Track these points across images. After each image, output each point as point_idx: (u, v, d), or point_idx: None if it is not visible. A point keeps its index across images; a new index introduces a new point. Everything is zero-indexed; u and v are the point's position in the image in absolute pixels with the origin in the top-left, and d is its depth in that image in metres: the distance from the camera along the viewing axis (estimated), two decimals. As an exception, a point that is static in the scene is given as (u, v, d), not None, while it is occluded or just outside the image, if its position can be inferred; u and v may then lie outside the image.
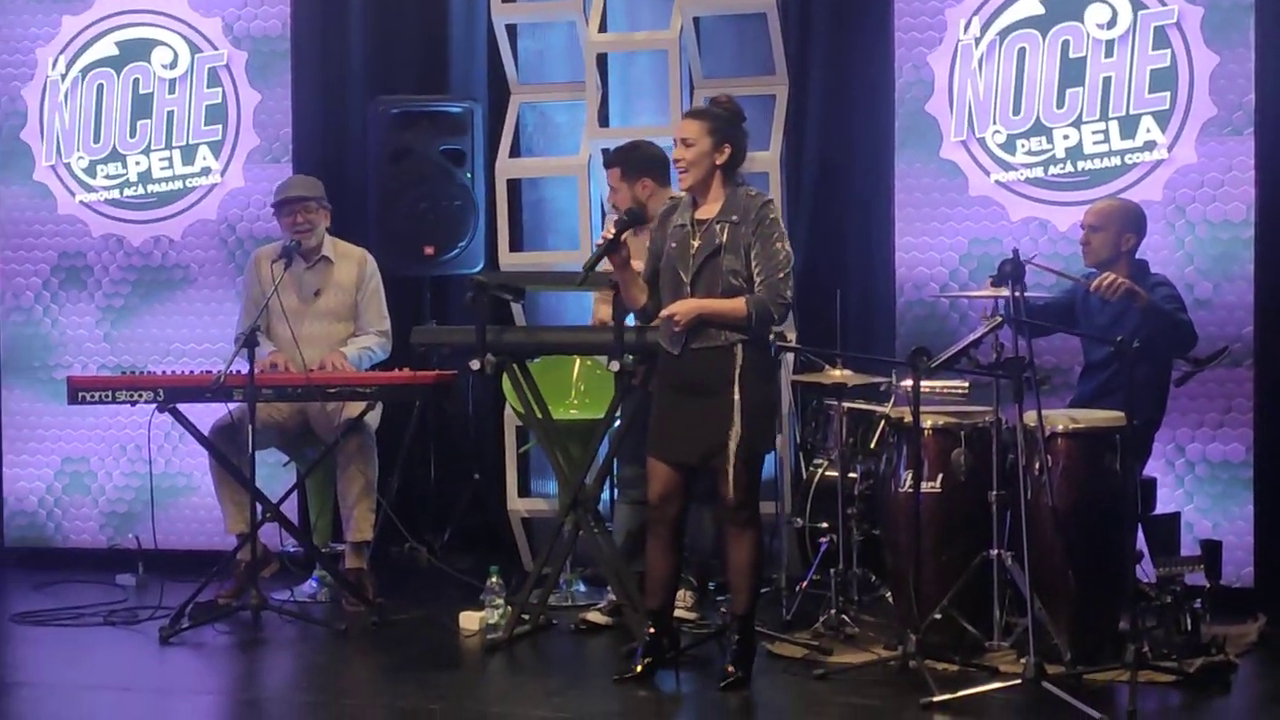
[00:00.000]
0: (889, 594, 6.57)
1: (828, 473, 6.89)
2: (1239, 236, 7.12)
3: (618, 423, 6.78)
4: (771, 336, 5.97)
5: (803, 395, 6.98)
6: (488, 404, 8.32)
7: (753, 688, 5.89)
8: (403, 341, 7.36)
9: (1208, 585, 6.29)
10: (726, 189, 5.87)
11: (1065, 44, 7.32)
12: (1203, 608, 6.13)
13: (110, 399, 7.19)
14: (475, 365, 6.58)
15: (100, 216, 8.47)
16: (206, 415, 7.30)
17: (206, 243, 8.38)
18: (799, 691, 5.92)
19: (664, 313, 5.83)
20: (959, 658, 5.94)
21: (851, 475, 6.70)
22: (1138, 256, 6.62)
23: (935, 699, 5.55)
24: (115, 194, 8.47)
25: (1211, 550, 6.51)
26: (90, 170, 8.47)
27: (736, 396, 5.75)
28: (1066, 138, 7.34)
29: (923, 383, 6.03)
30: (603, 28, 8.04)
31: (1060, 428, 6.02)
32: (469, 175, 8.14)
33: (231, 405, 7.18)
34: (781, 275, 5.74)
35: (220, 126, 8.35)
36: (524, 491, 8.06)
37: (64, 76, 8.47)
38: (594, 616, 6.94)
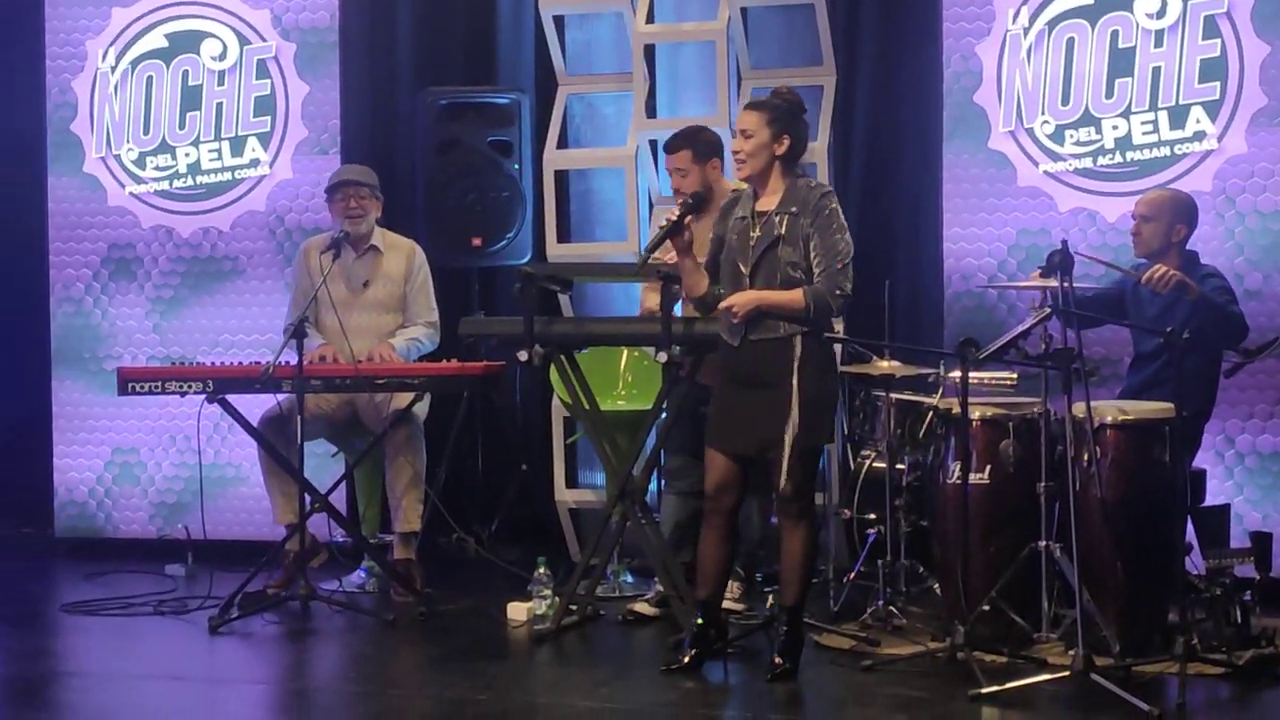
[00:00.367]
0: (937, 585, 6.56)
1: (875, 464, 6.90)
2: (1290, 228, 7.12)
3: (665, 414, 6.77)
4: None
5: (850, 386, 6.97)
6: (535, 395, 8.34)
7: (800, 679, 5.89)
8: (451, 332, 7.41)
9: (1258, 577, 6.24)
10: (786, 180, 5.88)
11: (1114, 34, 7.30)
12: (1252, 600, 6.10)
13: (160, 390, 7.22)
14: (523, 356, 6.59)
15: (150, 208, 8.51)
16: (255, 406, 7.32)
17: (255, 234, 8.42)
18: (846, 683, 5.91)
19: (722, 304, 5.86)
20: (1007, 649, 5.92)
21: (899, 466, 6.70)
22: (1188, 247, 6.60)
23: (983, 691, 5.54)
24: (165, 185, 8.50)
25: (1261, 542, 6.47)
26: (140, 162, 8.52)
27: (795, 389, 5.75)
28: (1115, 128, 7.31)
29: (971, 374, 6.03)
30: (650, 19, 8.03)
31: (1109, 419, 6.01)
32: (516, 166, 8.16)
33: (280, 396, 7.21)
34: (840, 266, 5.74)
35: (269, 118, 8.38)
36: (571, 482, 8.08)
37: (114, 69, 8.51)
38: (641, 607, 6.95)
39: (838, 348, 6.89)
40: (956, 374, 6.09)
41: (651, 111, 8.08)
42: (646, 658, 6.33)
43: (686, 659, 6.00)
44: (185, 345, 8.36)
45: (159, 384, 7.20)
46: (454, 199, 8.08)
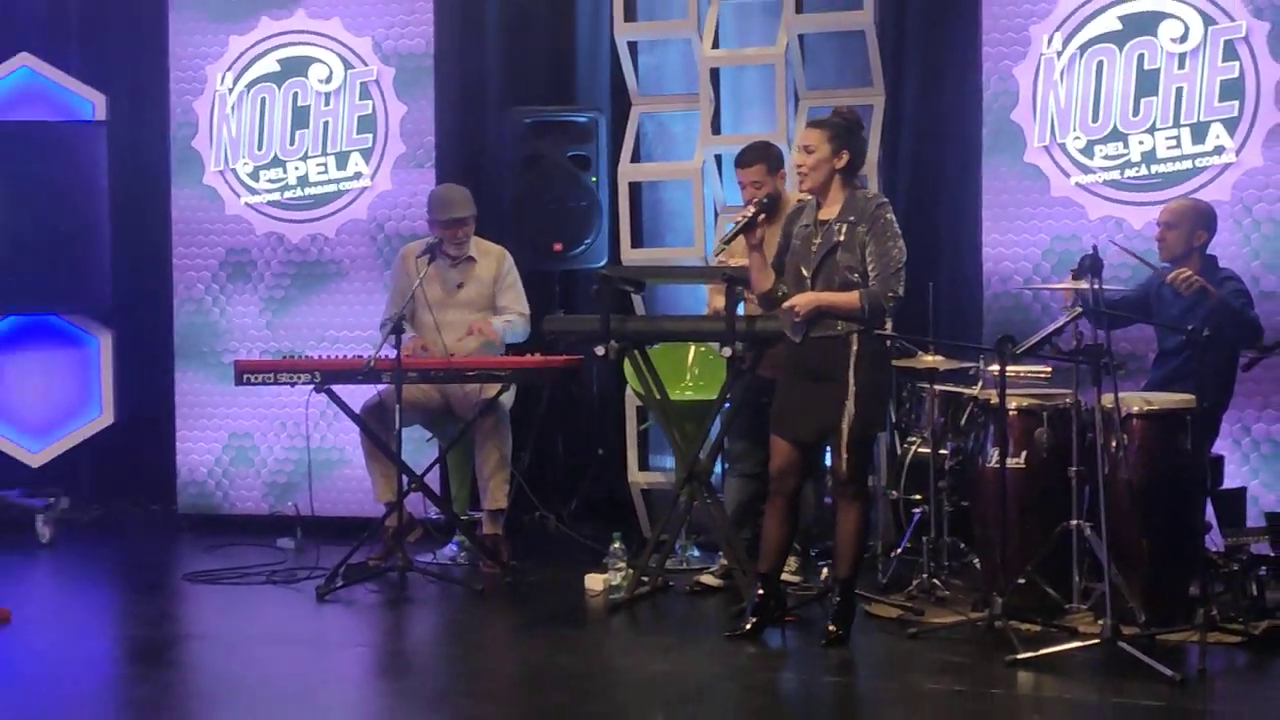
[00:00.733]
0: (976, 560, 6.55)
1: (920, 449, 6.89)
2: (1302, 235, 7.09)
3: (728, 404, 6.78)
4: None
5: (898, 379, 6.96)
6: (611, 386, 8.35)
7: (851, 645, 5.90)
8: (534, 329, 7.46)
9: (1272, 554, 6.24)
10: (846, 191, 5.90)
11: (1140, 57, 7.28)
12: (1268, 575, 6.10)
13: (272, 380, 7.28)
14: (600, 351, 6.61)
15: (263, 217, 8.58)
16: (358, 395, 7.38)
17: (358, 240, 8.47)
18: (894, 649, 5.92)
19: (785, 304, 5.89)
20: (1041, 619, 5.91)
21: (942, 452, 6.70)
22: (1208, 252, 6.59)
23: (1019, 657, 5.54)
24: (276, 196, 8.57)
25: (1276, 522, 6.43)
26: (254, 175, 8.58)
27: (851, 382, 5.78)
28: (1141, 143, 7.29)
29: (1008, 368, 6.02)
30: (715, 44, 8.05)
31: (1135, 409, 6.00)
32: (594, 179, 8.17)
33: (380, 386, 7.25)
34: (894, 271, 5.77)
35: (370, 135, 8.43)
36: (643, 466, 8.08)
37: (231, 91, 8.58)
38: (707, 579, 6.96)
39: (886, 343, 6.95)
40: (995, 368, 6.09)
41: (716, 129, 8.08)
42: (711, 625, 6.35)
43: (748, 626, 6.02)
44: (294, 340, 8.42)
45: (271, 375, 7.26)
46: (537, 209, 8.12)
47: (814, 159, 5.90)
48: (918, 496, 6.90)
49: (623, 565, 6.89)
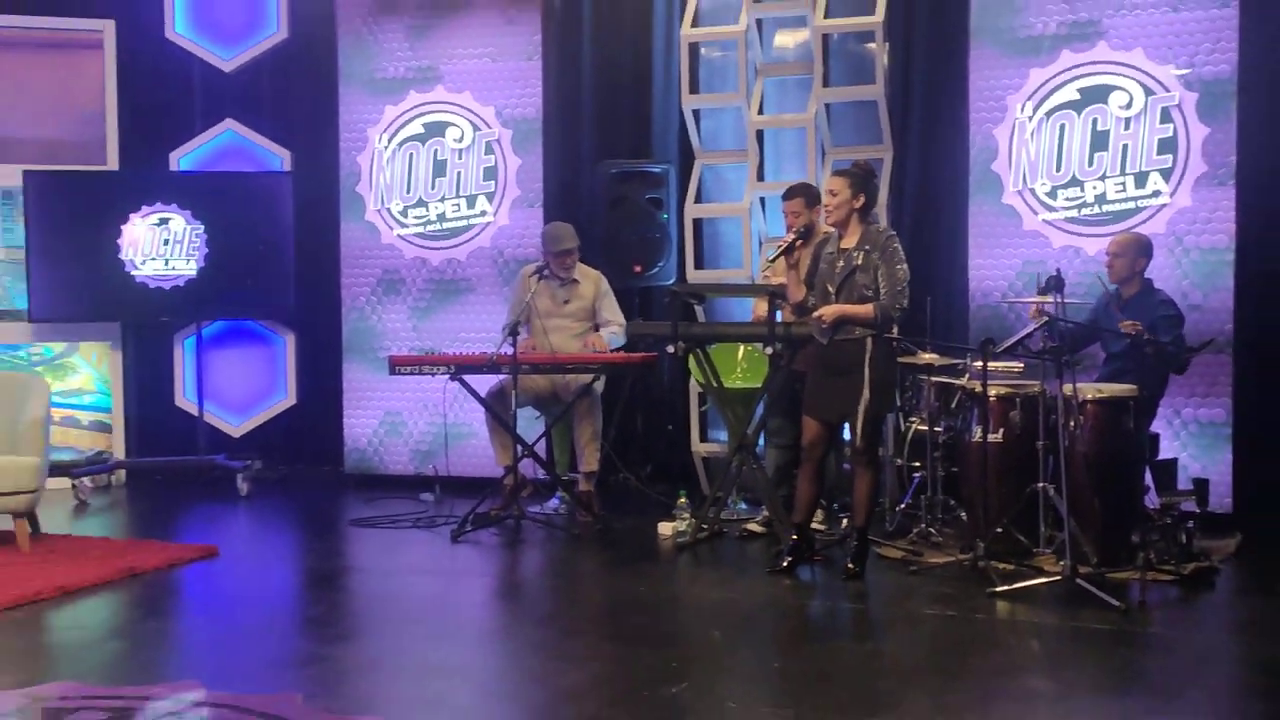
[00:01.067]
0: (963, 514, 6.51)
1: (919, 427, 6.85)
2: (1222, 260, 6.98)
3: (769, 391, 6.77)
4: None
5: (902, 372, 6.93)
6: (678, 376, 8.32)
7: (865, 579, 5.92)
8: (619, 332, 7.50)
9: (1198, 511, 6.24)
10: (862, 226, 5.93)
11: (1094, 120, 7.22)
12: (1194, 527, 6.09)
13: (417, 371, 7.30)
14: (670, 349, 6.62)
15: (410, 245, 8.62)
16: (483, 383, 7.40)
17: (483, 263, 8.50)
18: (898, 582, 5.92)
19: (814, 314, 5.93)
20: (1014, 560, 5.90)
21: (936, 429, 6.66)
22: (1147, 275, 6.55)
23: (997, 589, 5.57)
24: (420, 229, 8.61)
25: (1200, 486, 6.42)
26: (404, 213, 8.62)
27: (867, 375, 5.82)
28: (1095, 188, 7.23)
29: (989, 364, 6.01)
30: (760, 110, 8.04)
31: (1089, 396, 5.96)
32: (665, 216, 8.16)
33: (501, 376, 7.27)
34: (899, 289, 5.81)
35: (493, 182, 8.44)
36: (703, 438, 8.06)
37: (386, 147, 8.64)
38: (753, 527, 6.98)
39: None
40: (978, 364, 6.10)
41: (761, 177, 8.05)
42: (756, 563, 6.35)
43: (785, 564, 6.06)
44: (434, 340, 8.44)
45: (417, 367, 7.29)
46: (622, 239, 8.11)
47: (837, 200, 5.94)
48: (917, 464, 6.87)
49: (687, 516, 6.92)
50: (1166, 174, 7.10)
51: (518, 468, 7.29)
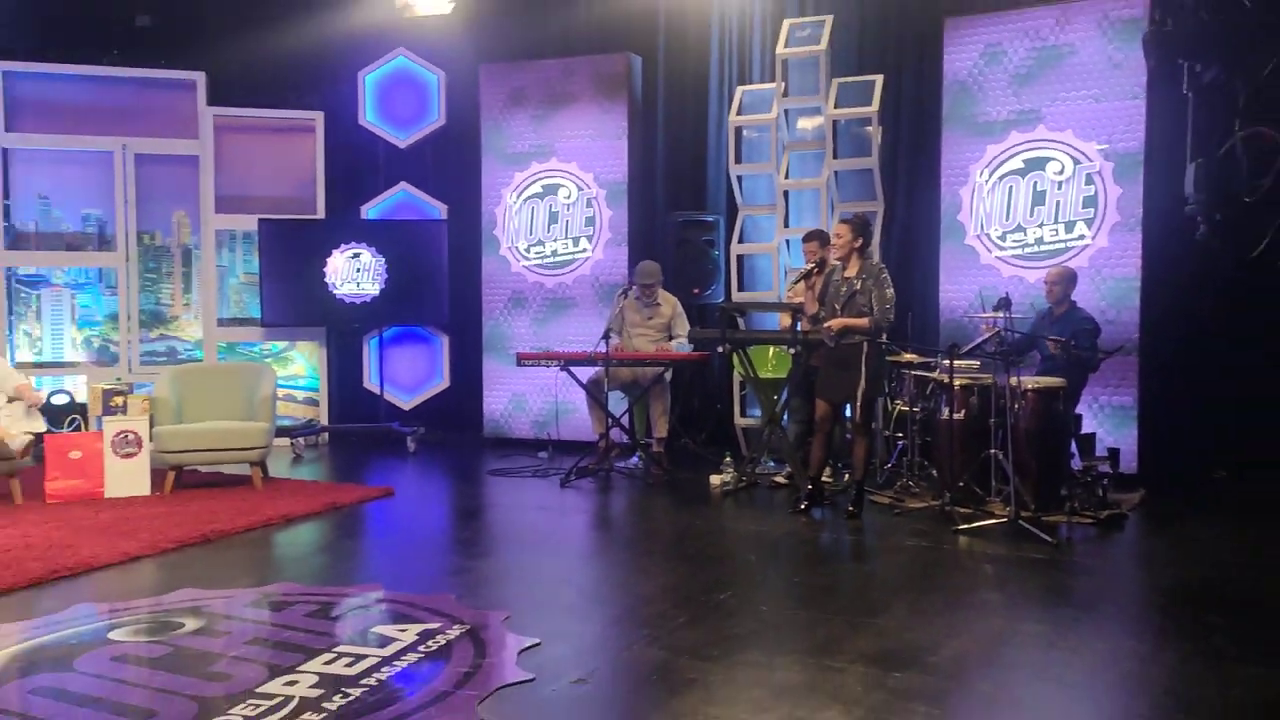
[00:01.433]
0: (934, 471, 6.44)
1: (902, 408, 6.79)
2: (1131, 286, 6.85)
3: (790, 379, 6.74)
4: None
5: (889, 367, 6.87)
6: (725, 369, 8.29)
7: (862, 519, 5.88)
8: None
9: (1110, 472, 6.13)
10: (861, 260, 5.89)
11: (1035, 182, 7.11)
12: (1108, 484, 6.00)
13: (537, 364, 7.34)
14: (720, 349, 6.64)
15: (532, 273, 8.64)
16: (584, 373, 7.43)
17: (584, 287, 8.50)
18: (886, 521, 5.87)
19: (824, 325, 5.91)
20: (972, 506, 5.85)
21: (915, 409, 6.59)
22: (1073, 297, 6.47)
23: (960, 527, 5.53)
24: (539, 262, 8.63)
25: (1113, 453, 6.34)
26: (527, 250, 8.65)
27: (863, 368, 5.78)
28: (1035, 233, 7.11)
29: (955, 362, 5.95)
30: (786, 175, 8.00)
31: (1029, 387, 5.87)
32: (716, 253, 8.15)
33: (597, 368, 7.31)
34: (888, 307, 5.78)
35: (593, 228, 8.45)
36: (743, 414, 8.03)
37: (515, 202, 8.67)
38: (779, 479, 6.94)
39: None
40: (947, 362, 6.03)
41: (786, 224, 8.01)
42: (782, 505, 6.33)
43: (802, 506, 6.04)
44: (549, 342, 8.47)
45: (536, 361, 7.33)
46: (685, 270, 8.10)
47: (842, 241, 5.90)
48: (900, 435, 6.80)
49: (731, 470, 6.89)
50: (1089, 222, 6.97)
51: (609, 434, 7.31)
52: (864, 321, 5.78)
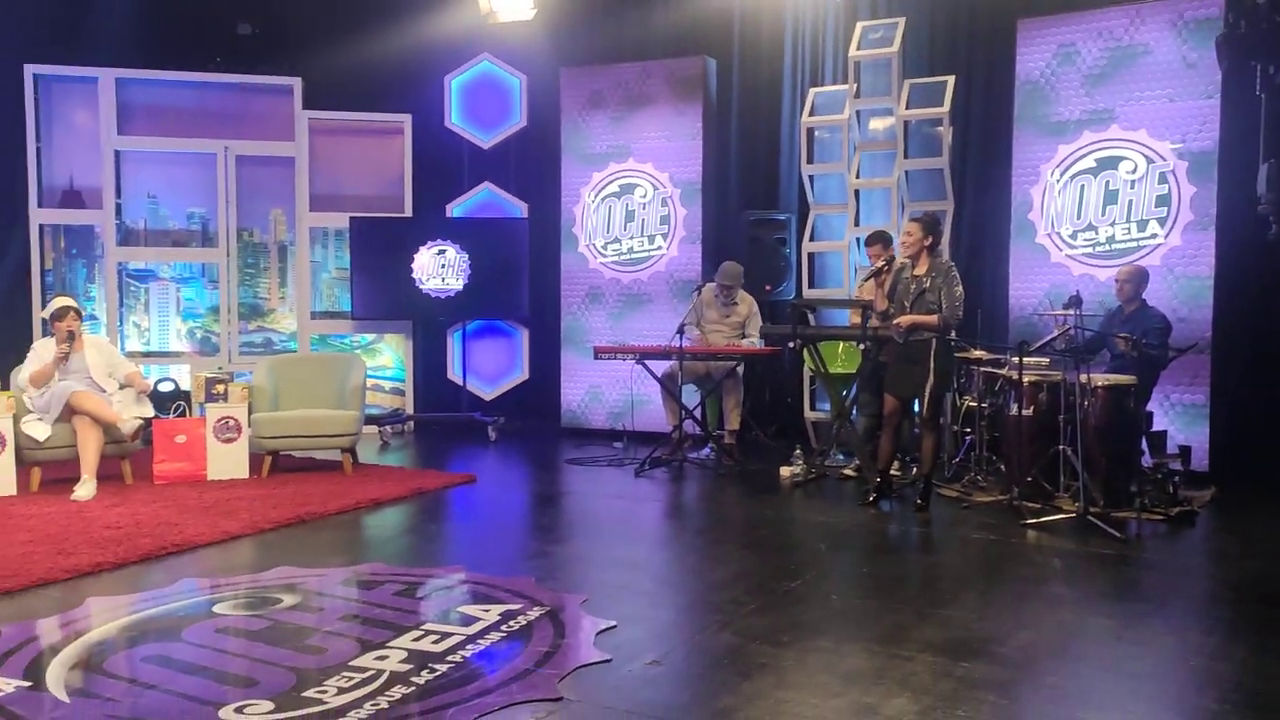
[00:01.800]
0: (1003, 467, 6.35)
1: (970, 403, 6.70)
2: (1204, 285, 6.68)
3: (859, 374, 6.70)
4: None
5: (958, 363, 6.80)
6: (795, 364, 8.23)
7: (930, 511, 5.82)
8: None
9: (1182, 469, 6.04)
10: (931, 258, 5.83)
11: (1107, 181, 6.96)
12: (1179, 481, 5.88)
13: (613, 357, 7.39)
14: (791, 345, 6.64)
15: (609, 269, 8.69)
16: (658, 366, 7.45)
17: (659, 283, 8.52)
18: (954, 514, 5.80)
19: (894, 322, 5.85)
20: (1041, 501, 5.76)
21: (983, 405, 6.50)
22: (1144, 296, 6.33)
23: (1028, 522, 5.45)
24: (615, 259, 8.67)
25: (1185, 450, 6.23)
26: (604, 247, 8.70)
27: (932, 365, 5.73)
28: (1107, 232, 6.97)
29: (1025, 359, 5.86)
30: (857, 175, 7.94)
31: (1099, 384, 5.77)
32: (788, 251, 8.13)
33: (671, 361, 7.32)
34: (957, 304, 5.71)
35: (668, 226, 8.48)
36: (813, 408, 8.01)
37: (593, 201, 8.72)
38: (848, 471, 6.89)
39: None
40: (1017, 359, 5.93)
41: (856, 223, 7.96)
42: (850, 497, 6.30)
43: (871, 499, 6.00)
44: (625, 335, 8.49)
45: (613, 355, 7.38)
46: (757, 267, 8.06)
47: (912, 239, 5.84)
48: (969, 430, 6.71)
49: (801, 462, 6.87)
50: (1163, 221, 6.81)
51: (682, 426, 7.33)
52: (933, 318, 5.73)
